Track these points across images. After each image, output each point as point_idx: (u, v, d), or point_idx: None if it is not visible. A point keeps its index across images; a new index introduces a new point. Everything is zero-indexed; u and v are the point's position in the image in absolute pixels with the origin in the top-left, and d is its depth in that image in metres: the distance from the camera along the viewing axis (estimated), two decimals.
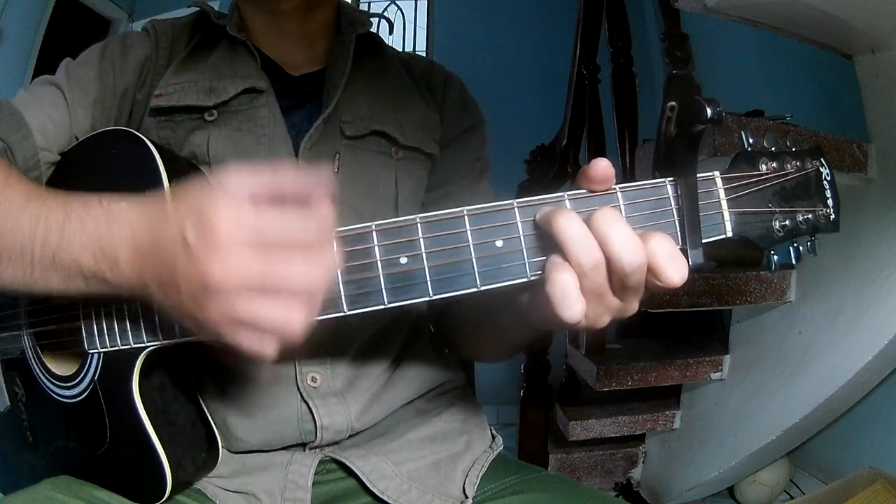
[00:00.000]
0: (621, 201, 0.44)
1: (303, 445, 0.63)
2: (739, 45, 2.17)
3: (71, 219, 0.46)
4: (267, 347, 0.40)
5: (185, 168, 0.61)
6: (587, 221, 0.41)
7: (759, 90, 2.13)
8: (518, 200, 0.44)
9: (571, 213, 0.41)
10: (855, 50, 1.35)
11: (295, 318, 0.39)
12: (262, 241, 0.38)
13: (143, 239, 0.43)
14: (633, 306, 0.44)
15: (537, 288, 0.44)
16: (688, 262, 0.42)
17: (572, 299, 0.40)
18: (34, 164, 0.61)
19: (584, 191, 0.44)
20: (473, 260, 0.44)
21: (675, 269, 0.41)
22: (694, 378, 1.68)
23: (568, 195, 0.44)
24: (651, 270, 0.41)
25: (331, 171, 0.41)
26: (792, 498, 1.67)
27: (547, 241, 0.43)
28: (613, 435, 1.79)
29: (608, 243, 0.40)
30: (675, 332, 1.99)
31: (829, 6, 1.15)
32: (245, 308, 0.39)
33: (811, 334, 1.45)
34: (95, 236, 0.44)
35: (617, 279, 0.41)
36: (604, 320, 0.44)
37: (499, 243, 0.44)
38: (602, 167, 0.43)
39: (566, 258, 0.41)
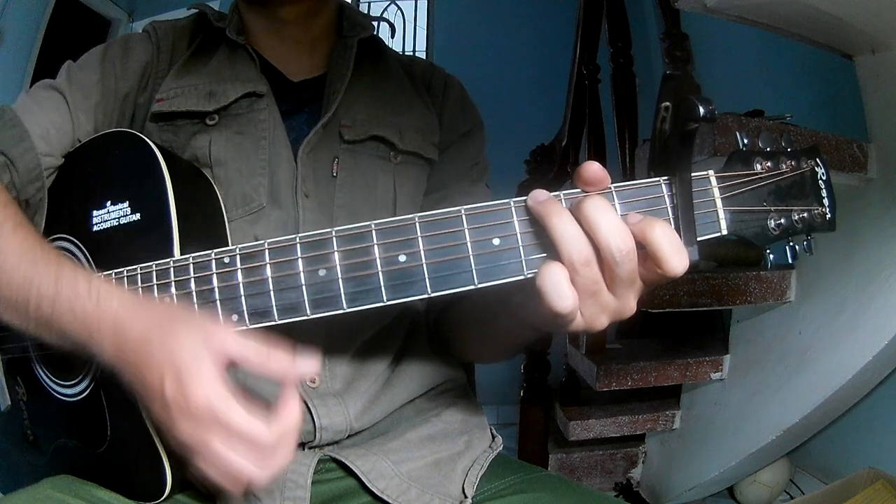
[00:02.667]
0: (616, 200, 0.44)
1: (302, 445, 0.64)
2: (739, 45, 2.17)
3: (60, 297, 0.49)
4: (211, 483, 0.46)
5: (187, 170, 0.61)
6: (575, 210, 0.42)
7: (759, 90, 2.13)
8: (515, 199, 0.44)
9: (564, 212, 0.42)
10: (855, 50, 1.35)
11: (233, 488, 0.45)
12: (226, 430, 0.44)
13: (127, 352, 0.47)
14: (631, 305, 0.44)
15: (531, 285, 0.44)
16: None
17: (562, 290, 0.41)
18: (36, 176, 0.61)
19: (580, 191, 0.44)
20: (471, 258, 0.44)
21: (677, 257, 0.41)
22: (694, 378, 1.68)
23: (563, 194, 0.44)
24: (653, 258, 0.41)
25: (316, 360, 0.47)
26: (792, 498, 1.67)
27: (544, 240, 0.43)
28: (613, 435, 1.79)
29: (596, 231, 0.41)
30: (675, 332, 1.99)
31: (829, 6, 1.15)
32: (199, 459, 0.45)
33: (811, 334, 1.45)
34: (83, 324, 0.48)
35: (608, 269, 0.41)
36: (601, 321, 0.44)
37: (496, 241, 0.44)
38: (593, 170, 0.43)
39: (558, 254, 0.41)
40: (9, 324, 0.52)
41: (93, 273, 0.52)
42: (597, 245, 0.41)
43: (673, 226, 0.44)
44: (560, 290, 0.41)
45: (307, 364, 0.46)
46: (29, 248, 0.52)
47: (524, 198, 0.44)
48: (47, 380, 0.62)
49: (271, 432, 0.44)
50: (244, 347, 0.45)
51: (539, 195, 0.44)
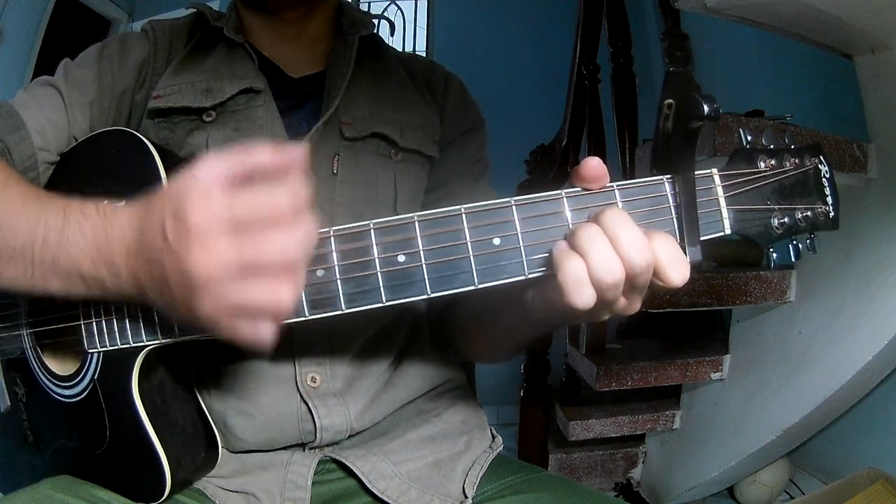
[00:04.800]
0: (619, 199, 0.44)
1: (302, 445, 0.63)
2: (739, 45, 2.17)
3: (69, 222, 0.46)
4: (262, 332, 0.40)
5: (184, 168, 0.61)
6: (595, 220, 0.41)
7: (759, 90, 2.13)
8: (515, 199, 0.44)
9: (598, 233, 0.41)
10: (855, 50, 1.35)
11: (282, 293, 0.39)
12: (235, 223, 0.38)
13: (134, 240, 0.43)
14: (636, 306, 0.44)
15: (544, 279, 0.44)
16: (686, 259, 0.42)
17: (584, 286, 0.41)
18: (31, 165, 0.61)
19: (581, 189, 0.44)
20: (471, 258, 0.44)
21: (677, 270, 0.41)
22: (694, 378, 1.68)
23: (565, 193, 0.44)
24: (654, 270, 0.41)
25: (304, 147, 0.41)
26: (792, 498, 1.67)
27: (545, 240, 0.43)
28: (613, 435, 1.79)
29: (618, 244, 0.40)
30: (675, 332, 1.99)
31: (829, 6, 1.15)
32: (232, 294, 0.39)
33: (811, 334, 1.45)
34: (93, 241, 0.45)
35: (626, 280, 0.41)
36: (604, 316, 0.45)
37: (496, 241, 0.44)
38: (593, 166, 0.43)
39: (589, 274, 0.41)
40: (10, 281, 0.49)
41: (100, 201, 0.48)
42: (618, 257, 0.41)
43: (676, 225, 0.44)
44: (582, 286, 0.41)
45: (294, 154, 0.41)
46: (33, 193, 0.51)
47: (524, 197, 0.44)
48: (46, 380, 0.62)
49: (282, 194, 0.39)
50: (228, 158, 0.41)
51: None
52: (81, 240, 0.45)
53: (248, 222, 0.38)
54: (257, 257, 0.38)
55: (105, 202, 0.47)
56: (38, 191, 0.52)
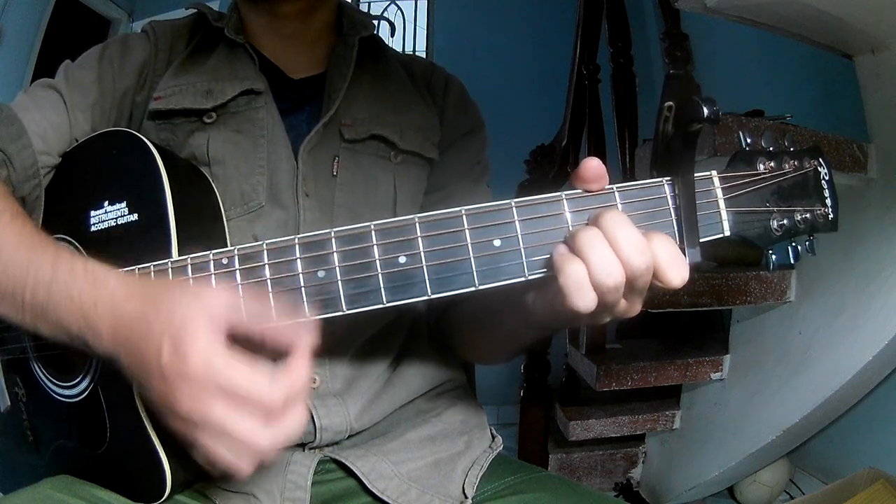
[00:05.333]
0: (619, 201, 0.44)
1: (302, 446, 0.63)
2: (739, 45, 2.17)
3: (57, 281, 0.48)
4: (241, 465, 0.42)
5: (185, 169, 0.61)
6: (595, 222, 0.42)
7: (759, 90, 2.13)
8: (516, 200, 0.44)
9: (598, 236, 0.41)
10: (855, 50, 1.35)
11: (241, 463, 0.42)
12: (227, 391, 0.41)
13: (124, 329, 0.45)
14: (637, 307, 0.45)
15: (545, 282, 0.44)
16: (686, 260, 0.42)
17: (586, 289, 0.41)
18: (34, 173, 0.61)
19: (581, 191, 0.44)
20: (471, 259, 0.44)
21: (676, 271, 0.41)
22: (694, 378, 1.68)
23: (565, 195, 0.44)
24: (653, 271, 0.41)
25: (314, 328, 0.44)
26: (792, 498, 1.67)
27: (545, 241, 0.43)
28: (613, 435, 1.79)
29: (617, 246, 0.41)
30: (675, 332, 1.99)
31: (829, 6, 1.15)
32: (202, 435, 0.42)
33: (811, 334, 1.45)
34: (79, 307, 0.47)
35: (626, 283, 0.41)
36: (605, 319, 0.45)
37: (497, 243, 0.44)
38: (592, 166, 0.43)
39: (590, 277, 0.41)
40: (4, 317, 0.51)
41: (89, 260, 0.50)
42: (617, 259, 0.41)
43: (676, 227, 0.44)
44: (583, 289, 0.41)
45: (308, 330, 0.43)
46: (27, 236, 0.52)
47: (525, 198, 0.44)
48: (47, 381, 0.62)
49: (278, 388, 0.41)
50: (241, 311, 0.43)
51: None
52: (69, 302, 0.47)
53: (240, 397, 0.41)
54: (234, 431, 0.41)
55: (93, 264, 0.48)
56: (32, 233, 0.53)
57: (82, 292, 0.47)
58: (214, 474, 0.49)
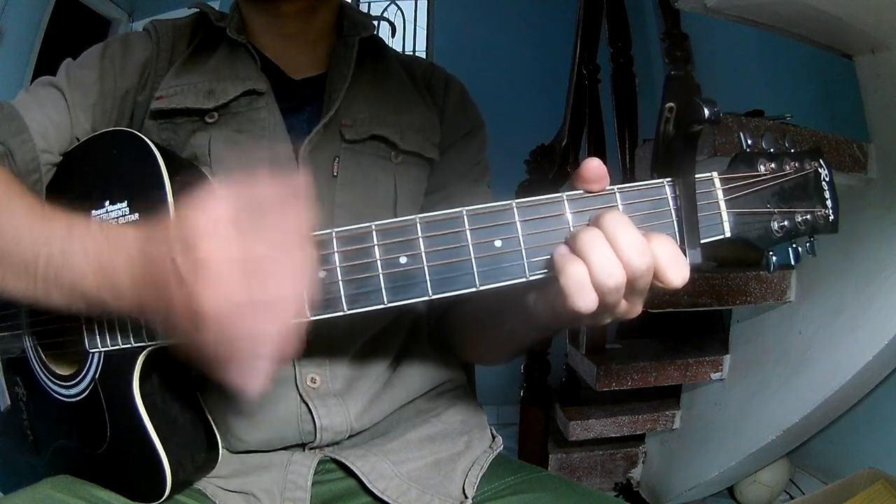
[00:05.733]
0: (619, 202, 0.44)
1: (302, 446, 0.64)
2: (739, 45, 2.17)
3: (73, 240, 0.47)
4: (256, 376, 0.42)
5: (186, 169, 0.61)
6: (595, 223, 0.42)
7: (759, 90, 2.13)
8: (517, 201, 0.44)
9: (598, 237, 0.41)
10: (855, 50, 1.35)
11: (285, 324, 0.41)
12: (246, 262, 0.40)
13: (140, 264, 0.44)
14: (638, 308, 0.45)
15: (546, 283, 0.44)
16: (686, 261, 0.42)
17: (587, 290, 0.41)
18: (34, 168, 0.61)
19: (582, 191, 0.44)
20: (472, 260, 0.44)
21: (676, 272, 0.41)
22: (694, 378, 1.68)
23: (566, 195, 0.44)
24: (654, 272, 0.41)
25: (307, 175, 0.43)
26: (792, 498, 1.67)
27: (546, 242, 0.43)
28: (613, 435, 1.79)
29: (618, 247, 0.41)
30: (675, 332, 1.99)
31: (829, 6, 1.15)
32: (236, 329, 0.40)
33: (811, 334, 1.45)
34: (97, 261, 0.46)
35: (627, 283, 0.42)
36: (606, 320, 0.45)
37: (497, 243, 0.44)
38: (593, 167, 0.43)
39: (591, 278, 0.41)
40: (12, 292, 0.50)
41: (105, 221, 0.50)
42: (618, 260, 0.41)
43: (677, 228, 0.44)
44: (584, 289, 0.41)
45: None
46: (39, 207, 0.51)
47: (526, 199, 0.44)
48: (47, 380, 0.62)
49: (286, 230, 0.41)
50: (237, 188, 0.42)
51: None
52: (84, 259, 0.46)
53: (258, 261, 0.40)
54: (267, 294, 0.40)
55: (109, 220, 0.48)
56: (43, 205, 0.52)
57: (99, 246, 0.46)
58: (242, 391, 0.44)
